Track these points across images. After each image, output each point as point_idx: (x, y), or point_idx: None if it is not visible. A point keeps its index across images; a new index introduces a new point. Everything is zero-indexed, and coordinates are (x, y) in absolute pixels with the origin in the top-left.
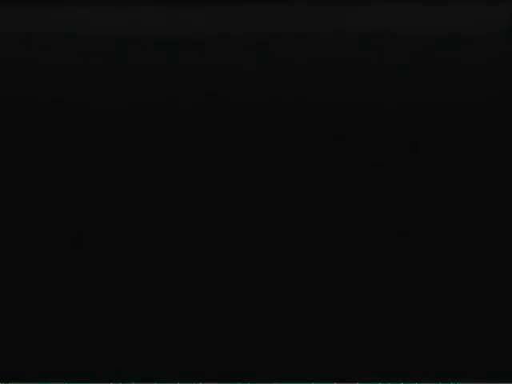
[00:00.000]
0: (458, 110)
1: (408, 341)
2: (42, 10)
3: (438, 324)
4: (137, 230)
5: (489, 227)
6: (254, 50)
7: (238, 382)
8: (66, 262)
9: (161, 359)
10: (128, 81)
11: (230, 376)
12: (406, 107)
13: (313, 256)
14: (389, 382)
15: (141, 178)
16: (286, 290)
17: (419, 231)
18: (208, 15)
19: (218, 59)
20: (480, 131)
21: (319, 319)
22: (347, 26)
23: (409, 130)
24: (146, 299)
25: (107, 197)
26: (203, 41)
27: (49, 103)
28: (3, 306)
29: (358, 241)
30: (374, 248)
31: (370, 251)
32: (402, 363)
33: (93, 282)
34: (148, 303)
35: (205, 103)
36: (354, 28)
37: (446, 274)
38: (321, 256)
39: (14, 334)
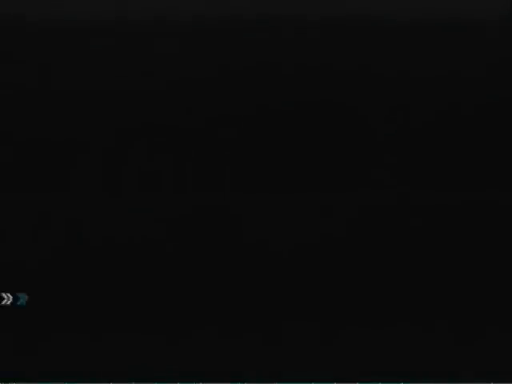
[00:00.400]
0: (458, 99)
1: (408, 333)
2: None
3: (438, 316)
4: (137, 226)
5: (489, 216)
6: (255, 32)
7: (237, 381)
8: (66, 258)
9: (161, 356)
10: (126, 70)
11: (230, 375)
12: (405, 79)
13: (313, 248)
14: (388, 381)
15: (140, 169)
16: (286, 282)
17: (419, 221)
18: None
19: (217, 48)
20: (481, 121)
21: (320, 312)
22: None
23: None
24: (146, 296)
25: (107, 192)
26: (203, 27)
27: (46, 96)
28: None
29: (358, 232)
30: (374, 240)
31: (370, 242)
32: (402, 357)
33: (93, 279)
34: (148, 299)
35: (204, 94)
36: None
37: (446, 266)
38: (321, 248)
39: (14, 334)
